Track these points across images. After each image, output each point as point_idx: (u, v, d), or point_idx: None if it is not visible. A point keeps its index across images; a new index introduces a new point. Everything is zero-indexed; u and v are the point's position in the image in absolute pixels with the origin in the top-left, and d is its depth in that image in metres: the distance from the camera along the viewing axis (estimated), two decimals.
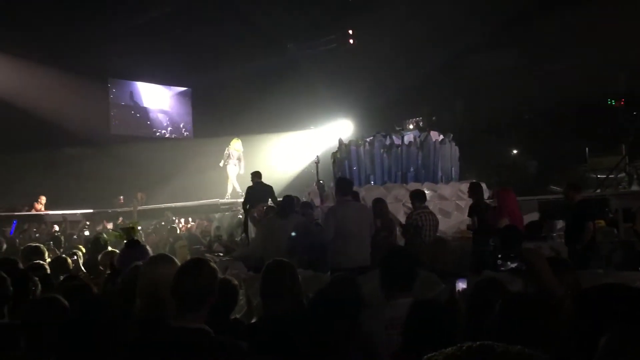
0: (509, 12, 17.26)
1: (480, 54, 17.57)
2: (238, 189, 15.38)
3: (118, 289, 3.52)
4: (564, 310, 2.02)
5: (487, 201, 8.29)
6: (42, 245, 7.21)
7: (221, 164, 15.44)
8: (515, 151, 18.75)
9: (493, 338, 1.21)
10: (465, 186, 10.93)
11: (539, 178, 15.75)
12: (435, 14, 16.59)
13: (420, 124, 19.88)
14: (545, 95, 17.80)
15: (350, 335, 2.73)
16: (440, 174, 11.07)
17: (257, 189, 9.81)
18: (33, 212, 15.37)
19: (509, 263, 2.52)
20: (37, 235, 12.32)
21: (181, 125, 23.53)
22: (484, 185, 11.26)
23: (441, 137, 11.49)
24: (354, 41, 20.08)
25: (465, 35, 18.04)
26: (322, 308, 2.95)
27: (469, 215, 7.63)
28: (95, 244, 6.77)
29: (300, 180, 16.51)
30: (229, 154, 15.42)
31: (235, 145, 15.59)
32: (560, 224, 10.24)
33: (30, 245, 6.71)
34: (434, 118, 21.13)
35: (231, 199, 14.90)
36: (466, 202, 10.19)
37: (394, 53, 18.81)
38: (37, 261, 5.24)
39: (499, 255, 2.56)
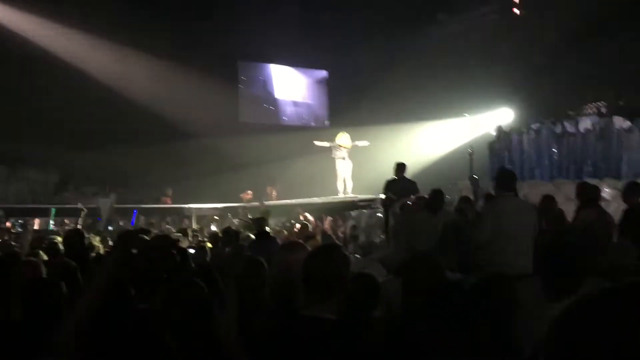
0: None
1: None
2: (340, 188, 15.68)
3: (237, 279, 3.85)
4: None
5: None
6: (171, 236, 7.99)
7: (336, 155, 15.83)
8: None
9: None
10: None
11: None
12: None
13: (602, 109, 18.67)
14: None
15: (499, 338, 2.76)
16: (625, 168, 10.40)
17: (399, 183, 9.93)
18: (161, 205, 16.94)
19: None
20: (166, 226, 13.54)
21: (317, 116, 24.30)
22: None
23: (628, 123, 10.81)
24: (520, 11, 19.34)
25: None
26: (468, 308, 3.00)
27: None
28: (225, 236, 7.32)
29: (448, 174, 16.31)
30: (333, 147, 15.77)
31: (342, 140, 15.81)
32: None
33: (159, 236, 7.45)
34: (620, 102, 19.73)
35: (349, 195, 15.27)
36: None
37: (571, 24, 17.85)
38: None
39: None
